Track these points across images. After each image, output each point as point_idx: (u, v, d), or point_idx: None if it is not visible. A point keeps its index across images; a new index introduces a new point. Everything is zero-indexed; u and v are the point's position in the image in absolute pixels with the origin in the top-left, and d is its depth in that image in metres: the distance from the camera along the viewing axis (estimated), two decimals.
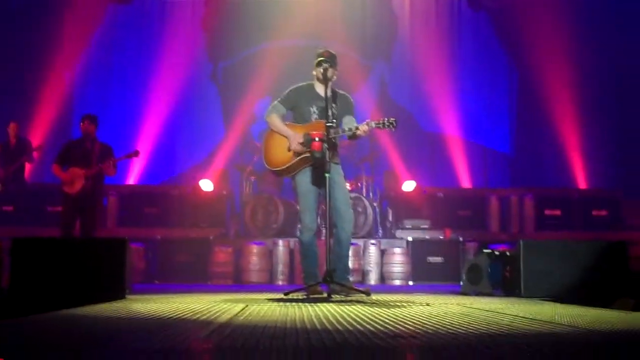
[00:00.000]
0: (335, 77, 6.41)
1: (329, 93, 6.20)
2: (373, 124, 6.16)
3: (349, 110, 6.54)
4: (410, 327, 3.63)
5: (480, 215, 11.45)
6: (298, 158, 6.30)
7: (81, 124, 8.80)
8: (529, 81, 13.95)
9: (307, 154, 6.17)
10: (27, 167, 11.63)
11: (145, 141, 13.19)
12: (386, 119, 6.15)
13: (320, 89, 6.36)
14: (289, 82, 6.83)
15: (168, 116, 13.55)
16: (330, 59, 6.31)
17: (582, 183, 13.27)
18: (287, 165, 6.35)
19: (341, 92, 6.61)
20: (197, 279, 10.10)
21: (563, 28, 13.33)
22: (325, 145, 5.96)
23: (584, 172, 13.32)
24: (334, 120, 6.11)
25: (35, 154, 11.41)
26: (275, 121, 6.45)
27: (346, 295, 6.08)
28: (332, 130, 6.04)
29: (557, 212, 11.43)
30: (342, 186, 6.43)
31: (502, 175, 13.99)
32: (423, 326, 3.68)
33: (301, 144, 6.22)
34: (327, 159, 5.98)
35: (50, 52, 13.19)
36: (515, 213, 11.50)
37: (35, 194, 11.18)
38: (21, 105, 12.92)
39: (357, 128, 6.16)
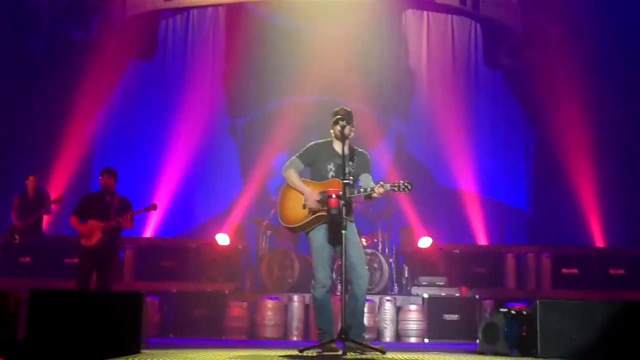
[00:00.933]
0: (352, 134, 6.48)
1: (347, 151, 6.26)
2: (388, 187, 6.18)
3: (366, 168, 6.58)
4: None
5: (496, 272, 11.35)
6: (313, 216, 6.32)
7: (100, 177, 8.90)
8: (546, 139, 13.96)
9: (322, 212, 6.20)
10: (45, 219, 11.72)
11: (163, 194, 13.25)
12: (402, 182, 6.16)
13: (338, 146, 6.43)
14: (306, 137, 6.91)
15: (186, 170, 13.64)
16: (347, 117, 6.38)
17: (599, 241, 13.16)
18: (302, 222, 6.38)
19: (359, 149, 6.66)
20: (212, 334, 10.04)
21: (579, 87, 13.38)
22: (342, 202, 5.99)
23: (601, 230, 13.22)
24: (351, 178, 6.15)
25: (53, 206, 11.50)
26: (292, 177, 6.49)
27: (361, 353, 6.04)
28: (347, 190, 6.06)
29: (575, 271, 11.31)
30: (357, 243, 6.44)
31: (518, 232, 13.91)
32: None
33: (318, 201, 6.25)
34: (344, 216, 6.00)
35: (71, 105, 13.35)
36: (532, 271, 11.40)
37: (52, 246, 11.23)
38: (41, 157, 13.09)
39: (372, 190, 6.19)
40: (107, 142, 13.99)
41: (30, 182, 11.31)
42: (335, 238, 6.25)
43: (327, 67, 13.54)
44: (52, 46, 13.87)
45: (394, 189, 6.17)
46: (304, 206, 6.34)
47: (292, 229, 6.57)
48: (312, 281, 6.53)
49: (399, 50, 14.51)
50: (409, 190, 6.15)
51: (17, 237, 10.97)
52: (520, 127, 14.37)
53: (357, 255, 6.36)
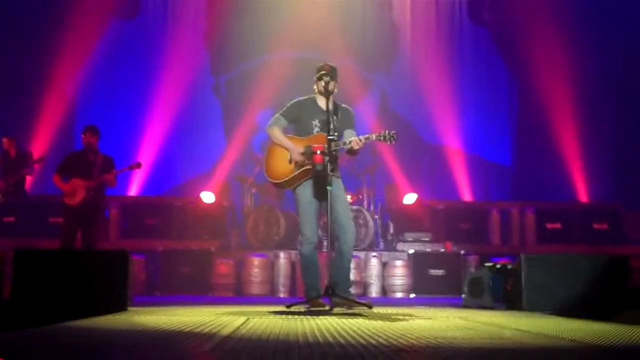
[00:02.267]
0: (336, 90, 6.43)
1: (331, 106, 6.21)
2: (374, 137, 6.16)
3: (350, 124, 6.55)
4: (413, 341, 3.63)
5: (481, 228, 11.45)
6: (299, 170, 6.31)
7: (83, 135, 8.82)
8: (529, 94, 13.99)
9: (308, 166, 6.19)
10: (28, 179, 11.62)
11: (147, 153, 13.22)
12: (387, 131, 6.13)
13: (321, 102, 6.39)
14: (290, 93, 6.86)
15: (170, 128, 13.59)
16: (331, 73, 6.32)
17: (583, 196, 13.26)
18: (288, 177, 6.36)
19: (343, 105, 6.63)
20: (199, 291, 10.08)
21: (563, 41, 13.37)
22: (327, 158, 5.96)
23: (585, 185, 13.32)
24: (336, 134, 6.11)
25: (36, 166, 11.40)
26: (277, 134, 6.47)
27: (348, 308, 6.07)
28: (333, 144, 6.03)
29: (558, 225, 11.43)
30: (343, 199, 6.44)
31: (503, 188, 13.99)
32: (425, 339, 3.68)
33: (302, 154, 6.23)
34: (329, 172, 5.98)
35: (52, 64, 13.22)
36: (517, 226, 11.51)
37: (36, 205, 11.18)
38: (23, 117, 12.95)
39: (350, 142, 6.15)
40: (90, 101, 13.89)
41: (5, 143, 11.17)
42: (321, 194, 6.23)
43: (310, 23, 13.46)
44: (32, 4, 13.63)
45: (379, 139, 6.14)
46: (290, 161, 6.32)
47: (278, 185, 6.55)
48: (299, 237, 6.54)
49: (382, 4, 14.42)
50: (394, 140, 6.11)
51: (0, 196, 10.90)
52: (504, 83, 14.38)
53: (343, 211, 6.36)
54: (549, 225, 11.45)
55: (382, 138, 6.13)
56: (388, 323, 4.74)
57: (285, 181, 6.42)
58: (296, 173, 6.33)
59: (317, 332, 4.02)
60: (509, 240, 11.48)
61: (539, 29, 13.53)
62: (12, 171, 11.04)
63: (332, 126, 6.09)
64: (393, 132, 6.13)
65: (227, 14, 13.97)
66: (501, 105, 14.33)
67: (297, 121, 6.55)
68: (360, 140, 6.15)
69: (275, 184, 6.57)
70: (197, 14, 14.34)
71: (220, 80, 14.26)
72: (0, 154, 11.25)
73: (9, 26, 13.43)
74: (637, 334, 4.13)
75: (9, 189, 10.97)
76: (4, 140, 11.20)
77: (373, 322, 4.81)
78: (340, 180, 6.49)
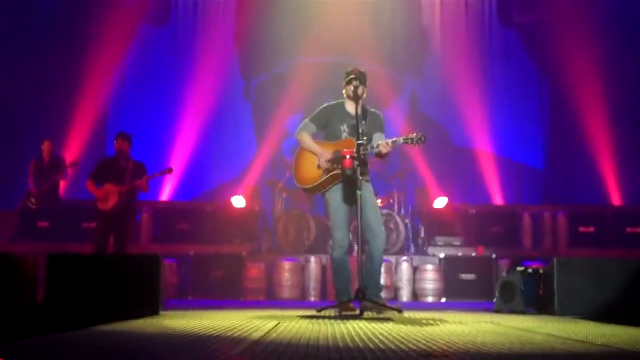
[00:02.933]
0: (365, 94, 6.42)
1: (359, 111, 6.21)
2: (401, 140, 6.13)
3: (379, 128, 6.55)
4: (443, 346, 3.63)
5: (512, 231, 11.35)
6: (327, 175, 6.32)
7: (115, 141, 8.92)
8: (561, 96, 13.86)
9: (337, 171, 6.19)
10: (62, 184, 11.76)
11: (178, 158, 13.31)
12: (414, 134, 6.11)
13: (350, 106, 6.39)
14: (320, 98, 6.88)
15: (201, 133, 13.67)
16: (360, 77, 6.32)
17: (616, 199, 13.11)
18: (317, 182, 6.38)
19: (372, 109, 6.63)
20: (230, 295, 10.11)
21: (594, 42, 13.25)
22: (356, 162, 5.96)
23: (618, 188, 13.16)
24: (364, 138, 6.11)
25: (69, 171, 11.53)
26: (305, 139, 6.49)
27: (378, 313, 6.07)
28: (361, 148, 6.03)
29: (591, 229, 11.29)
30: (373, 203, 6.44)
31: (534, 191, 13.87)
32: (455, 345, 3.67)
33: (329, 160, 6.24)
34: (358, 176, 5.98)
35: (85, 70, 13.36)
36: (548, 230, 11.38)
37: (69, 210, 11.30)
38: (56, 122, 13.11)
39: (378, 145, 6.13)
40: (121, 106, 14.01)
41: (46, 146, 11.32)
42: (351, 198, 6.24)
43: (340, 27, 13.47)
44: (65, 8, 13.79)
45: (407, 142, 6.12)
46: (318, 166, 6.33)
47: (308, 190, 6.57)
48: (330, 242, 6.55)
49: (411, 8, 14.38)
50: (422, 142, 6.08)
51: (34, 201, 11.04)
52: (534, 85, 14.26)
53: (373, 216, 6.36)
54: (581, 229, 11.32)
55: (409, 141, 6.10)
56: (418, 328, 4.73)
57: (314, 186, 6.43)
58: (324, 178, 6.34)
59: (347, 337, 4.02)
60: (540, 244, 11.36)
61: (569, 30, 13.41)
62: (45, 177, 11.18)
63: (360, 130, 6.10)
64: (421, 133, 6.10)
65: (257, 18, 14.01)
66: (532, 107, 14.20)
67: (326, 126, 6.56)
68: (388, 143, 6.13)
69: (304, 189, 6.59)
70: (226, 18, 14.41)
71: (250, 84, 14.31)
72: (33, 159, 11.39)
73: (40, 29, 13.58)
74: None
75: (43, 195, 11.12)
76: (45, 142, 11.33)
77: (403, 326, 4.81)
78: (370, 185, 6.49)
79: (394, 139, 6.17)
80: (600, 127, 13.36)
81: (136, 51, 14.04)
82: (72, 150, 12.89)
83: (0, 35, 13.29)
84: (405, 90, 14.33)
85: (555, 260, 6.71)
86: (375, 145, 6.17)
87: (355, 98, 6.21)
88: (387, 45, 14.05)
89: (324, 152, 6.33)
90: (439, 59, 14.24)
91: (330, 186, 6.39)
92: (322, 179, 6.35)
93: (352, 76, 6.33)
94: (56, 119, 13.17)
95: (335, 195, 6.40)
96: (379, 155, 6.29)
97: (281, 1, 13.93)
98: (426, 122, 13.54)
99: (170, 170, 9.05)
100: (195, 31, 14.28)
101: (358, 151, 5.99)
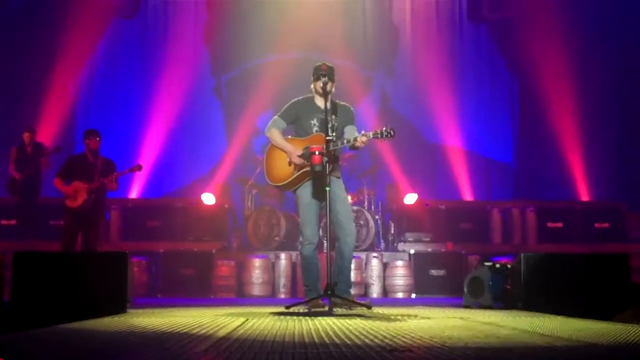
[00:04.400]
0: (334, 90, 6.41)
1: (329, 105, 6.20)
2: (371, 135, 6.12)
3: (350, 121, 6.55)
4: (408, 341, 3.64)
5: (482, 227, 11.44)
6: (299, 172, 6.31)
7: (84, 138, 8.84)
8: (530, 92, 13.96)
9: (307, 168, 6.18)
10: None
11: (148, 155, 13.22)
12: (384, 128, 6.07)
13: (320, 101, 6.37)
14: (291, 94, 6.86)
15: (170, 129, 13.59)
16: (329, 73, 6.31)
17: (584, 195, 13.23)
18: (288, 180, 6.37)
19: (342, 103, 6.62)
20: (200, 293, 10.08)
21: (563, 38, 13.36)
22: (325, 158, 5.95)
23: (586, 184, 13.30)
24: (334, 134, 6.10)
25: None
26: (275, 136, 6.47)
27: (347, 309, 6.07)
28: (331, 144, 6.02)
29: (559, 225, 11.43)
30: (343, 199, 6.44)
31: (504, 187, 13.95)
32: (420, 339, 3.68)
33: (300, 156, 6.24)
34: (327, 173, 5.97)
35: (53, 65, 13.21)
36: (518, 225, 11.48)
37: (38, 208, 11.17)
38: (24, 117, 12.88)
39: (355, 139, 6.13)
40: (90, 102, 13.88)
41: (27, 136, 11.08)
42: (321, 194, 6.23)
43: (311, 23, 13.46)
44: (34, 1, 13.63)
45: (377, 137, 6.10)
46: (289, 163, 6.32)
47: (279, 187, 6.57)
48: (300, 238, 6.54)
49: (382, 4, 14.42)
50: (392, 136, 6.05)
51: (17, 190, 10.85)
52: (504, 82, 14.35)
53: (344, 212, 6.37)
54: (550, 224, 11.45)
55: (379, 135, 6.07)
56: (386, 323, 4.74)
57: (286, 184, 6.42)
58: (296, 175, 6.33)
59: (314, 333, 4.03)
60: (510, 239, 11.45)
61: (539, 27, 13.51)
62: (28, 167, 10.94)
63: (330, 125, 6.09)
64: (390, 128, 6.07)
65: (228, 13, 13.96)
66: (502, 104, 14.30)
67: (296, 122, 6.55)
68: (363, 140, 6.09)
69: (276, 186, 6.58)
70: (197, 13, 14.32)
71: (221, 80, 14.24)
72: (16, 147, 11.12)
73: (9, 22, 13.40)
74: (635, 333, 4.14)
75: (26, 181, 10.88)
76: (26, 133, 11.11)
77: (371, 322, 4.82)
78: (340, 181, 6.49)
79: (365, 133, 6.13)
80: (569, 124, 13.48)
81: (105, 45, 13.90)
82: None
83: None
84: (376, 87, 14.36)
85: (522, 255, 6.75)
86: (351, 140, 6.12)
87: (325, 94, 6.19)
88: (358, 41, 14.08)
89: (295, 149, 6.31)
90: (410, 56, 14.27)
91: (301, 183, 6.39)
92: (293, 176, 6.34)
93: (321, 72, 6.32)
94: (24, 113, 12.97)
95: (305, 191, 6.40)
96: (353, 147, 6.27)
97: None
98: (397, 119, 13.56)
99: (139, 167, 8.97)
100: (165, 25, 14.17)
101: (327, 147, 5.98)
